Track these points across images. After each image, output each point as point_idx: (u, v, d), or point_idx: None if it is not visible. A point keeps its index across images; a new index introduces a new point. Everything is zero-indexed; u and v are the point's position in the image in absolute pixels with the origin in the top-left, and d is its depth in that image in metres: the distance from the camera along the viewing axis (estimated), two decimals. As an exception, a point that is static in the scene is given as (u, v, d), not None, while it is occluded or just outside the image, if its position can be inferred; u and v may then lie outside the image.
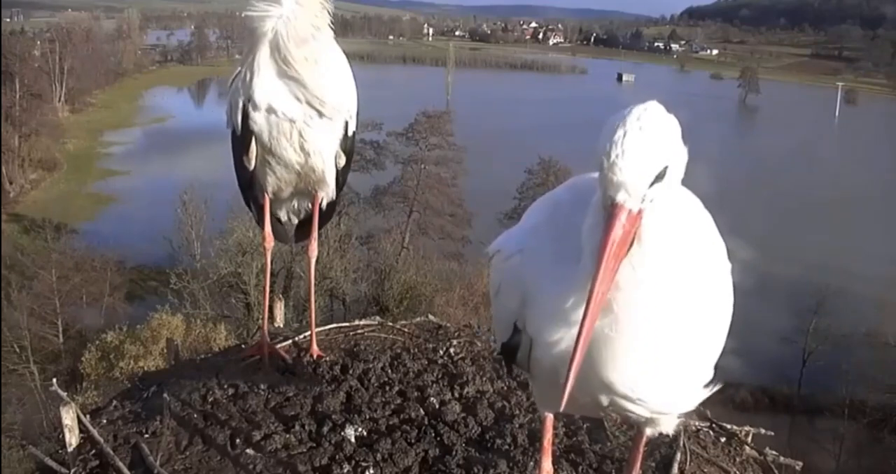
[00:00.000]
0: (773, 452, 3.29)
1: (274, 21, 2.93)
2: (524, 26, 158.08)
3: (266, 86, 2.98)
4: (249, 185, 3.36)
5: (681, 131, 1.44)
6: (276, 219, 3.62)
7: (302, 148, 3.13)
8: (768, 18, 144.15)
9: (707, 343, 1.63)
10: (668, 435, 2.97)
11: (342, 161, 3.32)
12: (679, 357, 1.56)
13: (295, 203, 3.62)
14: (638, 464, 2.08)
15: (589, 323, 1.38)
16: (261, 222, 3.52)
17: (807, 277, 26.31)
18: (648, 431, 1.87)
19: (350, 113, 3.16)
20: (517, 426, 3.04)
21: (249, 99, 3.01)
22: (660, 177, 1.38)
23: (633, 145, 1.35)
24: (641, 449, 2.04)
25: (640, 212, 1.40)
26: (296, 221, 3.77)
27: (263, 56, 2.95)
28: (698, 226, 1.60)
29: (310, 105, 3.03)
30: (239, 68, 3.07)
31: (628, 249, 1.42)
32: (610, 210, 1.38)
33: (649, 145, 1.36)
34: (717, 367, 1.76)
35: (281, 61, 2.95)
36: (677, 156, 1.42)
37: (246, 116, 3.05)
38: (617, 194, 1.37)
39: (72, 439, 2.88)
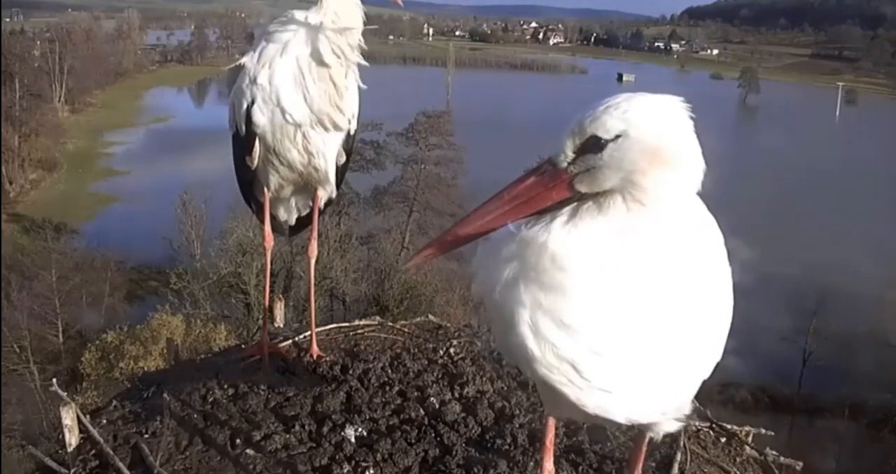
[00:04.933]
0: (773, 452, 3.29)
1: (310, 37, 2.94)
2: (524, 26, 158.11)
3: (279, 91, 2.98)
4: (250, 184, 3.37)
5: (677, 131, 1.42)
6: (274, 216, 3.64)
7: (305, 149, 3.14)
8: (768, 18, 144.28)
9: (691, 347, 1.55)
10: (668, 435, 2.99)
11: (342, 159, 3.35)
12: (654, 355, 1.48)
13: (295, 200, 3.64)
14: (639, 465, 2.07)
15: (444, 236, 1.50)
16: (261, 220, 3.54)
17: (807, 277, 26.32)
18: (649, 433, 1.85)
19: (352, 113, 3.17)
20: (517, 426, 3.04)
21: (254, 101, 3.01)
22: (593, 148, 1.40)
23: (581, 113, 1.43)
24: (643, 450, 2.03)
25: (568, 173, 1.44)
26: (295, 218, 3.79)
27: (286, 65, 2.96)
28: (691, 225, 1.56)
29: (321, 123, 3.05)
30: (245, 67, 3.05)
31: (538, 210, 1.45)
32: (544, 160, 1.48)
33: (589, 114, 1.41)
34: (712, 371, 1.72)
35: (309, 76, 2.96)
36: (634, 140, 1.39)
37: (250, 118, 3.05)
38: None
39: (72, 439, 2.88)
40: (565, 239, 1.42)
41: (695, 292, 1.51)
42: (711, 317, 1.59)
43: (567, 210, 1.46)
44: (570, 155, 1.43)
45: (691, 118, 1.45)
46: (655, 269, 1.44)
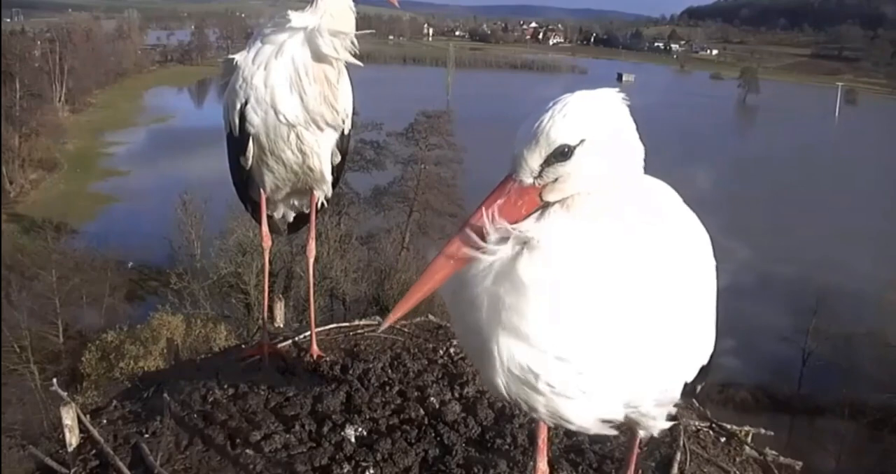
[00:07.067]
0: (773, 452, 3.29)
1: (306, 38, 2.95)
2: (524, 26, 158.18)
3: (274, 92, 2.99)
4: (245, 184, 3.38)
5: (622, 121, 1.43)
6: (270, 216, 3.65)
7: (300, 149, 3.15)
8: (768, 18, 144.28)
9: (662, 350, 1.51)
10: (668, 435, 2.99)
11: (337, 159, 3.36)
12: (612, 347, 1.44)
13: (292, 201, 3.64)
14: (632, 465, 2.07)
15: (437, 265, 1.41)
16: (258, 221, 3.54)
17: (807, 277, 26.31)
18: (641, 433, 1.83)
19: (346, 112, 3.18)
20: (517, 426, 3.04)
21: (248, 101, 3.02)
22: (559, 157, 1.38)
23: (532, 122, 1.39)
24: (635, 450, 2.03)
25: (535, 187, 1.41)
26: (291, 218, 3.80)
27: (281, 66, 2.96)
28: (665, 223, 1.56)
29: (315, 123, 3.06)
30: (239, 67, 3.05)
31: (514, 220, 1.42)
32: (503, 180, 1.42)
33: (547, 123, 1.38)
34: (700, 379, 1.68)
35: (304, 79, 2.97)
36: (594, 141, 1.39)
37: (244, 118, 3.06)
38: (511, 165, 1.41)
39: (72, 439, 2.88)
40: (533, 245, 1.41)
41: (667, 292, 1.50)
42: (685, 317, 1.56)
43: (532, 217, 1.44)
44: (537, 169, 1.40)
45: (628, 105, 1.45)
46: (624, 268, 1.43)
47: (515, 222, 1.42)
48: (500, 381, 1.47)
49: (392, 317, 1.50)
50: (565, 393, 1.46)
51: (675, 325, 1.52)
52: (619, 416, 1.57)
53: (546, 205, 1.44)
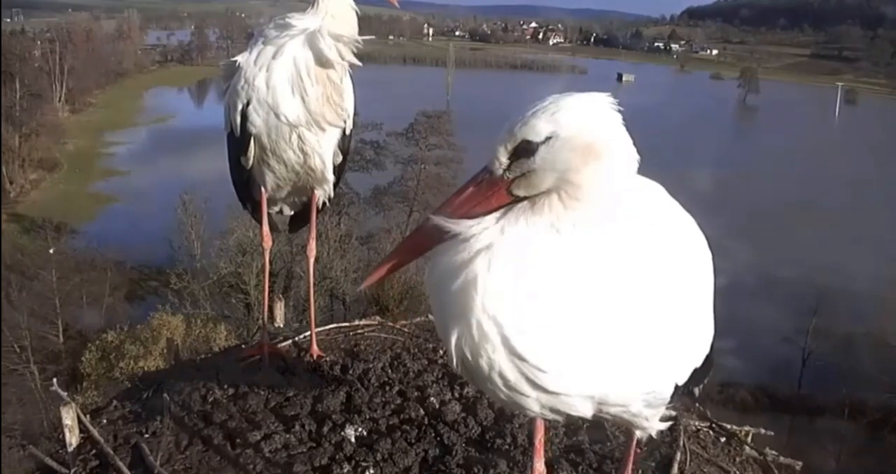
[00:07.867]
0: (773, 452, 3.29)
1: (307, 40, 2.95)
2: (524, 26, 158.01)
3: (276, 93, 2.99)
4: (246, 184, 3.37)
5: (602, 123, 1.42)
6: (270, 215, 3.65)
7: (301, 149, 3.15)
8: (768, 18, 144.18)
9: (635, 348, 1.50)
10: (668, 435, 2.99)
11: (339, 159, 3.36)
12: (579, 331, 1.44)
13: (293, 200, 3.65)
14: (629, 465, 2.07)
15: (405, 244, 1.53)
16: (258, 221, 3.54)
17: (807, 277, 26.30)
18: (638, 433, 1.83)
19: (349, 112, 3.18)
20: (517, 426, 3.04)
21: (249, 102, 3.02)
22: (525, 152, 1.41)
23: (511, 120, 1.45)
24: (633, 450, 2.04)
25: (505, 180, 1.44)
26: (292, 216, 3.81)
27: (283, 67, 2.97)
28: (647, 224, 1.55)
29: (318, 124, 3.06)
30: (240, 68, 3.05)
31: (485, 211, 1.45)
32: (479, 170, 1.49)
33: (518, 118, 1.43)
34: (697, 383, 1.68)
35: (305, 80, 2.98)
36: (562, 140, 1.40)
37: (245, 118, 3.06)
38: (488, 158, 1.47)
39: (72, 439, 2.88)
40: (491, 246, 1.43)
41: (640, 295, 1.49)
42: (666, 319, 1.55)
43: (498, 213, 1.46)
44: (505, 161, 1.44)
45: (619, 112, 1.45)
46: (584, 270, 1.43)
47: (484, 213, 1.45)
48: (460, 369, 1.51)
49: (372, 277, 1.66)
50: (518, 388, 1.48)
51: (652, 328, 1.52)
52: (587, 413, 1.58)
53: (517, 200, 1.46)
